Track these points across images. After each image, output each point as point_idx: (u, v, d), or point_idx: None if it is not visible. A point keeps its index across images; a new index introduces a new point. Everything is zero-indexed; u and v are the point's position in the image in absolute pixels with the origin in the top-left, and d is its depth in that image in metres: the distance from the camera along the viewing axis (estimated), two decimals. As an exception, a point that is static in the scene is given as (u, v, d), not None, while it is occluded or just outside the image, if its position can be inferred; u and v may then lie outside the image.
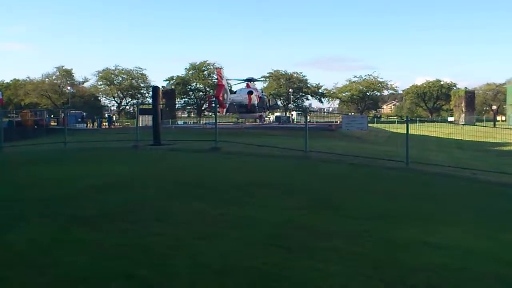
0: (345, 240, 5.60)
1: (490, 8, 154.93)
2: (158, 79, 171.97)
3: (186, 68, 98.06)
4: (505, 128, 42.64)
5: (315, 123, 57.73)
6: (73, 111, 55.83)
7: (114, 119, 70.21)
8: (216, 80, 44.41)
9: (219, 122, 21.65)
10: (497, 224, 7.29)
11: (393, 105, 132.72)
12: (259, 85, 58.43)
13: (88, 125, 59.67)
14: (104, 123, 60.92)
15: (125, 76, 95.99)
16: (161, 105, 20.30)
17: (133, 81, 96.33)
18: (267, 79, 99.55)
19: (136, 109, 24.97)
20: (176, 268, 4.33)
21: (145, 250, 4.86)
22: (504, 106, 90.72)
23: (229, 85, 42.98)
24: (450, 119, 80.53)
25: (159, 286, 3.95)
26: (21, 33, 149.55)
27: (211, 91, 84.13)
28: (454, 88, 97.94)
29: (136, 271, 4.21)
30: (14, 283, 3.96)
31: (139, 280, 4.04)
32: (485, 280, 4.49)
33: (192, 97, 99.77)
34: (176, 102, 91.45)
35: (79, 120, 53.67)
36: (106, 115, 72.97)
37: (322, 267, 4.51)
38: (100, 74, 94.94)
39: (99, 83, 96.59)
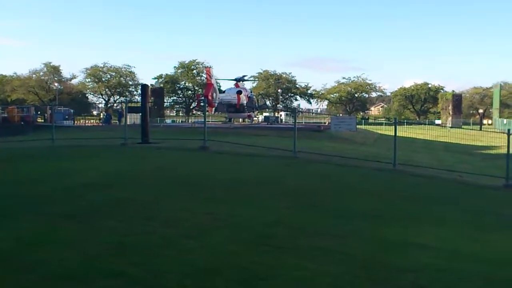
0: (333, 239, 5.63)
1: (478, 12, 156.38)
2: (147, 77, 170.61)
3: (175, 67, 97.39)
4: (491, 131, 43.14)
5: (303, 123, 57.73)
6: (61, 108, 54.99)
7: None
8: (205, 79, 44.39)
9: (208, 121, 21.58)
10: (483, 225, 7.40)
11: (381, 107, 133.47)
12: (248, 85, 58.35)
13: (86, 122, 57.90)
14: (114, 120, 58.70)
15: (113, 74, 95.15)
16: (149, 103, 20.17)
17: (122, 78, 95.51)
18: (256, 79, 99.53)
19: (124, 107, 24.82)
20: (164, 266, 4.31)
21: (133, 248, 4.84)
22: (490, 110, 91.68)
23: (218, 84, 42.97)
24: (437, 121, 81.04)
25: (147, 284, 3.93)
26: (8, 28, 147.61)
27: (200, 90, 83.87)
28: (442, 91, 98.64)
29: (124, 269, 4.19)
30: (1, 280, 3.92)
31: (127, 278, 4.02)
32: (472, 280, 4.54)
33: (180, 95, 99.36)
34: (165, 101, 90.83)
35: (67, 117, 52.99)
36: (118, 111, 70.01)
37: (310, 266, 4.53)
38: (88, 71, 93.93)
39: (87, 80, 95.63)
